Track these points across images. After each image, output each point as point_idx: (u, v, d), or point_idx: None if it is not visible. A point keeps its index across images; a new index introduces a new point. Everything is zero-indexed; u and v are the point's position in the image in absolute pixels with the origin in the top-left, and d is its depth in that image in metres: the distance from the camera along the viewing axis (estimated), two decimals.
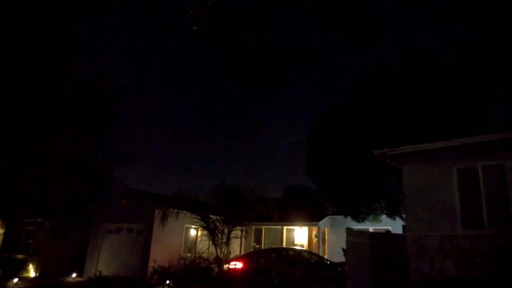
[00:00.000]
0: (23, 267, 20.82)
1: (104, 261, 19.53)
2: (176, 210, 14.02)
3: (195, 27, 5.56)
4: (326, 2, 5.92)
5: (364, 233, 12.53)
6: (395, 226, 17.92)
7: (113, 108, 19.87)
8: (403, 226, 13.35)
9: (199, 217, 13.55)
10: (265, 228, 22.98)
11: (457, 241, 8.38)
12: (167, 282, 14.02)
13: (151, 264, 16.19)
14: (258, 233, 23.13)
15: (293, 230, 23.02)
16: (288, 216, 21.73)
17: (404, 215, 13.97)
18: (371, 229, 18.11)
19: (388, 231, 17.83)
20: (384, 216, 17.47)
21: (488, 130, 9.13)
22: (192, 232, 19.95)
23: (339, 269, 14.63)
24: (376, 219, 17.57)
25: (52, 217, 21.55)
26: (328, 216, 21.09)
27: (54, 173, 18.01)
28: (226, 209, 13.28)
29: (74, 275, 19.06)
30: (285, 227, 22.56)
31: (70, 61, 15.53)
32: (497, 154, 8.28)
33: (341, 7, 5.94)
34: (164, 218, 13.74)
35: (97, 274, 17.42)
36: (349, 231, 12.14)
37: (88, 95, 17.48)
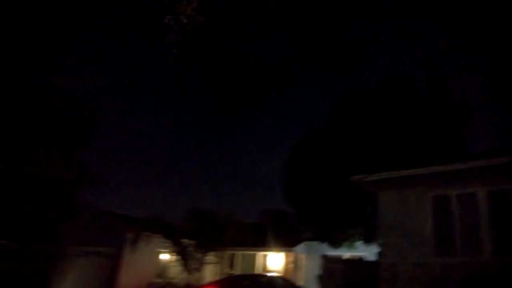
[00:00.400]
0: None
1: (70, 286, 18.63)
2: (147, 234, 13.63)
3: (174, 51, 5.50)
4: (303, 32, 5.99)
5: (339, 260, 12.47)
6: (370, 252, 17.91)
7: (88, 127, 19.33)
8: (378, 253, 13.37)
9: (171, 242, 13.19)
10: (239, 254, 22.58)
11: (429, 268, 8.39)
12: None
13: None
14: (232, 259, 22.68)
15: (268, 255, 22.69)
16: (263, 242, 21.45)
17: (379, 242, 14.02)
18: (347, 255, 18.04)
19: (361, 258, 17.84)
20: (360, 242, 17.47)
21: (462, 158, 9.32)
22: (164, 257, 19.35)
23: None
24: (352, 245, 17.56)
25: (18, 238, 20.54)
26: (305, 242, 20.93)
27: (23, 193, 17.28)
28: (199, 234, 13.01)
29: None
30: (260, 253, 22.22)
31: (45, 80, 15.17)
32: (471, 183, 8.42)
33: (318, 35, 6.02)
34: (135, 242, 13.33)
35: None
36: (325, 257, 12.07)
37: (63, 115, 17.01)
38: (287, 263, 22.18)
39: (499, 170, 7.96)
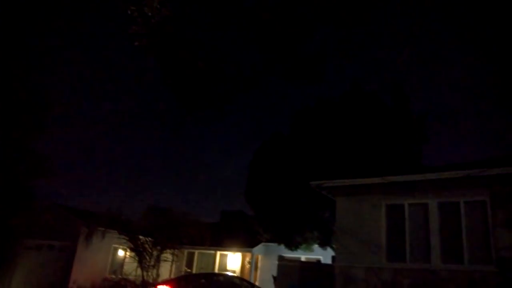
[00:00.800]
0: None
1: (19, 280, 17.94)
2: (103, 229, 13.32)
3: (136, 43, 5.37)
4: (271, 38, 6.03)
5: (295, 261, 12.64)
6: (326, 256, 18.26)
7: (40, 116, 18.44)
8: (333, 257, 13.66)
9: (127, 238, 12.94)
10: (198, 252, 22.46)
11: (381, 273, 8.68)
12: None
13: (70, 285, 15.09)
14: (190, 257, 22.53)
15: (226, 255, 22.69)
16: (222, 241, 21.44)
17: (334, 246, 14.33)
18: (303, 258, 18.34)
19: (318, 261, 18.17)
20: (316, 245, 17.78)
21: (416, 170, 9.72)
22: (120, 253, 18.95)
23: None
24: (309, 248, 17.84)
25: None
26: (263, 243, 21.08)
27: None
28: (157, 232, 12.83)
29: None
30: (218, 252, 22.20)
31: None
32: (422, 193, 8.78)
33: (285, 43, 6.07)
34: (89, 236, 13.00)
35: None
36: (281, 258, 12.20)
37: (15, 103, 16.25)
38: (245, 263, 22.28)
39: (449, 184, 8.35)
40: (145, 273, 12.82)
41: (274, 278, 12.35)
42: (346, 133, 16.82)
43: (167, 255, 13.66)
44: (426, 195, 8.69)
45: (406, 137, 17.06)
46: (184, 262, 21.91)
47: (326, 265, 13.65)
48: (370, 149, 16.33)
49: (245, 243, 21.35)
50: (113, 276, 16.68)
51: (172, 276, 19.68)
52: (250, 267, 21.18)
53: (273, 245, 20.19)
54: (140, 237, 13.11)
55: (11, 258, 18.29)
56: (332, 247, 16.62)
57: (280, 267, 11.73)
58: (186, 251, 21.03)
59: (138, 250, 12.84)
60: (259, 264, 22.27)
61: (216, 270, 21.30)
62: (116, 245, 17.61)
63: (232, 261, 22.61)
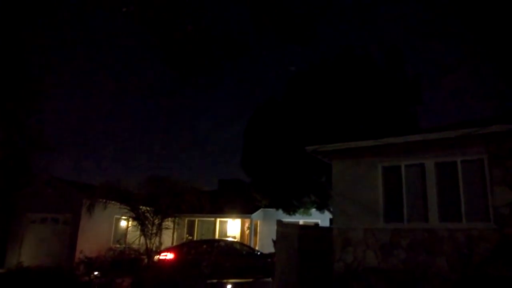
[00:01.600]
0: None
1: (28, 252, 18.48)
2: (104, 200, 13.46)
3: (124, 9, 5.23)
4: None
5: (293, 225, 12.90)
6: (324, 219, 18.68)
7: (34, 90, 18.35)
8: (331, 220, 13.95)
9: (128, 208, 13.09)
10: (198, 220, 22.87)
11: (378, 234, 8.89)
12: (95, 273, 13.46)
13: (77, 255, 15.40)
14: (191, 225, 22.97)
15: (226, 222, 23.14)
16: (221, 209, 21.79)
17: (332, 209, 14.61)
18: (301, 221, 18.74)
19: (316, 224, 18.57)
20: (314, 209, 18.12)
21: (411, 132, 9.77)
22: (122, 223, 19.37)
23: (270, 260, 14.98)
24: (306, 212, 18.19)
25: None
26: (261, 209, 21.47)
27: None
28: (157, 200, 12.96)
29: None
30: (218, 219, 22.62)
31: None
32: (419, 154, 8.86)
33: (275, 5, 5.94)
34: (91, 208, 13.13)
35: (19, 265, 16.39)
36: (280, 222, 12.42)
37: (9, 76, 16.07)
38: (244, 229, 22.76)
39: (446, 144, 8.42)
40: (148, 241, 13.06)
41: (274, 242, 12.64)
42: (340, 96, 16.77)
43: (169, 223, 13.88)
44: (423, 155, 8.78)
45: (401, 98, 17.04)
46: (185, 230, 22.34)
47: (324, 227, 13.97)
48: (365, 112, 16.35)
49: (244, 209, 21.72)
50: (118, 246, 17.03)
51: (175, 244, 20.13)
52: (250, 233, 21.66)
53: (271, 210, 20.55)
54: (141, 206, 13.27)
55: (18, 232, 18.78)
56: (329, 210, 16.96)
57: (279, 232, 11.99)
58: (186, 219, 21.40)
59: (140, 219, 13.03)
60: (258, 229, 22.76)
61: (217, 237, 21.77)
62: (118, 216, 17.95)
63: (232, 228, 23.08)
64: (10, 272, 15.57)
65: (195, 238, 22.03)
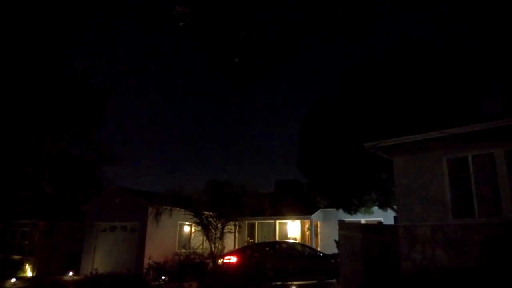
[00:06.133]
0: (20, 267, 20.86)
1: (99, 259, 19.69)
2: (169, 208, 14.01)
3: (181, 23, 5.48)
4: None
5: (356, 225, 12.65)
6: (386, 217, 18.10)
7: (101, 107, 19.91)
8: (395, 217, 13.50)
9: (192, 214, 13.51)
10: (258, 223, 23.08)
11: (447, 230, 8.48)
12: (163, 277, 14.04)
13: (146, 260, 16.18)
14: (251, 228, 23.22)
15: (285, 224, 23.16)
16: (280, 210, 21.85)
17: (395, 206, 14.11)
18: (363, 220, 18.31)
19: (380, 223, 18.05)
20: (375, 207, 17.63)
21: (477, 120, 9.22)
22: (186, 229, 20.04)
23: (332, 261, 14.78)
24: (368, 211, 17.73)
25: (46, 217, 21.55)
26: (320, 209, 21.25)
27: (46, 173, 18.12)
28: (218, 205, 13.28)
29: (70, 273, 19.31)
30: (278, 221, 22.68)
31: (57, 60, 15.48)
32: (487, 143, 8.36)
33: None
34: (157, 215, 13.72)
35: (93, 272, 17.49)
36: (341, 223, 12.26)
37: (76, 95, 17.43)
38: (304, 230, 22.65)
39: None
40: (212, 245, 13.40)
41: (337, 242, 12.48)
42: (396, 88, 16.16)
43: (231, 227, 14.15)
44: (491, 144, 8.27)
45: (462, 85, 16.04)
46: (246, 233, 22.62)
47: (388, 226, 13.54)
48: (424, 103, 15.61)
49: (303, 210, 21.64)
50: (183, 250, 17.67)
51: (237, 247, 20.46)
52: (310, 234, 21.50)
53: (331, 210, 20.28)
54: (204, 212, 13.66)
55: (90, 240, 20.10)
56: (393, 208, 16.40)
57: (341, 233, 11.81)
58: (247, 222, 21.67)
59: (203, 224, 13.41)
60: (318, 230, 22.54)
61: (277, 239, 21.83)
62: (182, 222, 18.69)
63: (292, 229, 23.06)
64: (87, 279, 16.66)
65: (256, 241, 22.24)
